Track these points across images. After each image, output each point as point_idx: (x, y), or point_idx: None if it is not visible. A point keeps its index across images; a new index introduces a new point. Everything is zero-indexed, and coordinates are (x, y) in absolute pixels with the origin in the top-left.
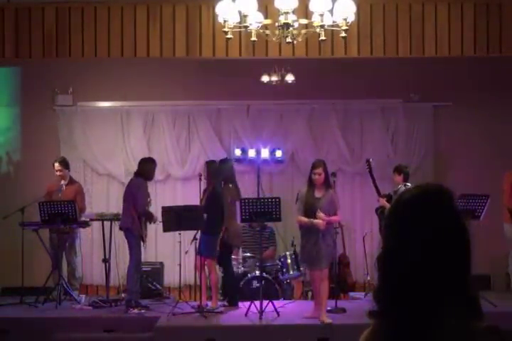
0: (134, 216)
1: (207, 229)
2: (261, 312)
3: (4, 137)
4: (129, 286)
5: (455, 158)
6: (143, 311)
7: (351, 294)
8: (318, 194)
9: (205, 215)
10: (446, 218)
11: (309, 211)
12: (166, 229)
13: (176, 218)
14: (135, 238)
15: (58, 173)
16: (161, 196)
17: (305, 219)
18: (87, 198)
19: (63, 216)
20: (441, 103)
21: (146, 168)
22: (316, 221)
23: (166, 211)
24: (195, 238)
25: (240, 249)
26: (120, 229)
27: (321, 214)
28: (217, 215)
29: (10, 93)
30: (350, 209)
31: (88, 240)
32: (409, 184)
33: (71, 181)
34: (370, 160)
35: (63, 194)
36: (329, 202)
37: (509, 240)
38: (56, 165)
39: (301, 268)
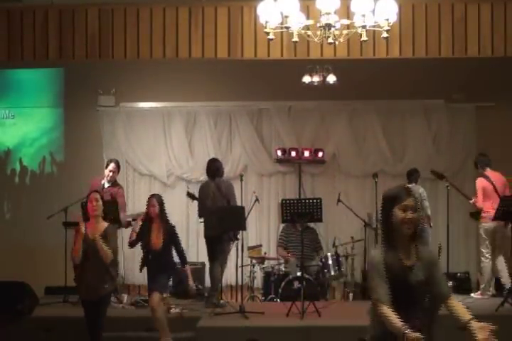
0: None
1: None
2: (302, 312)
3: (48, 137)
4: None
5: (498, 158)
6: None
7: None
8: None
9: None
10: None
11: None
12: (207, 230)
13: (218, 219)
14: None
15: (111, 174)
16: None
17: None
18: (130, 198)
19: (105, 216)
20: (483, 103)
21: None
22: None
23: (209, 211)
24: (236, 238)
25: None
26: None
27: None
28: None
29: (53, 94)
30: None
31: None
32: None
33: (114, 183)
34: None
35: (104, 194)
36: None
37: None
38: (112, 165)
39: (342, 269)
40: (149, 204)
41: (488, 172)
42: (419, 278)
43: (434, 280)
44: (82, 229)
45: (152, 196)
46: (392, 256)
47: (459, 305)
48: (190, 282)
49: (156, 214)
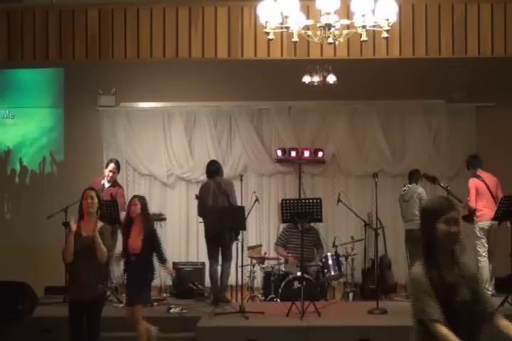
0: None
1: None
2: (302, 312)
3: (48, 137)
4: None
5: (497, 158)
6: (184, 311)
7: (392, 295)
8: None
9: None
10: None
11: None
12: (207, 230)
13: (219, 218)
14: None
15: (111, 174)
16: None
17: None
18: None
19: (102, 215)
20: (483, 103)
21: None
22: None
23: (209, 211)
24: (237, 238)
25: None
26: None
27: None
28: None
29: (53, 94)
30: (391, 210)
31: None
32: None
33: (114, 183)
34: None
35: (104, 194)
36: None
37: None
38: (112, 165)
39: (342, 269)
40: (130, 203)
41: (480, 172)
42: (465, 296)
43: (478, 298)
44: (73, 227)
45: (134, 196)
46: (434, 273)
47: (507, 323)
48: (170, 270)
49: (136, 214)
